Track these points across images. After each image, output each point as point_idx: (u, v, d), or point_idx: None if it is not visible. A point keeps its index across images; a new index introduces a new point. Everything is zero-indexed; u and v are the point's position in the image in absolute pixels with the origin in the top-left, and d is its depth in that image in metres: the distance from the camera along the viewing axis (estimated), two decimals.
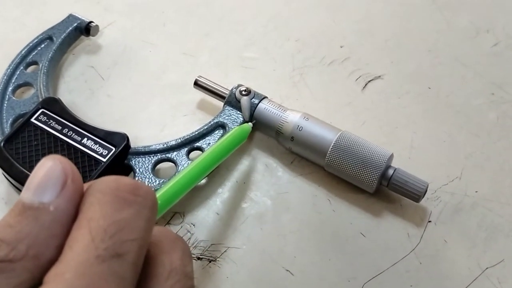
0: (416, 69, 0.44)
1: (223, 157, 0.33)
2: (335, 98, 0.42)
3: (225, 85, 0.40)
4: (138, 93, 0.42)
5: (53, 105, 0.37)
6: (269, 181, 0.37)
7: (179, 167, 0.36)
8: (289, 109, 0.38)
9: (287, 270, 0.33)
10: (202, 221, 0.35)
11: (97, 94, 0.42)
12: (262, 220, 0.35)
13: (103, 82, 0.43)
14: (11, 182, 0.36)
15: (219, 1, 0.48)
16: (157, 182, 0.35)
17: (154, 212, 0.20)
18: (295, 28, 0.46)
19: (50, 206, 0.18)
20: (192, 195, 0.36)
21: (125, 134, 0.36)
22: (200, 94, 0.41)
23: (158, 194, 0.27)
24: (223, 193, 0.37)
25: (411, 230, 0.35)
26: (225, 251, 0.34)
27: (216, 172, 0.37)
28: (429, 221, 0.35)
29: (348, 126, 0.38)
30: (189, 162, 0.36)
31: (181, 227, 0.35)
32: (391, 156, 0.36)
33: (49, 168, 0.19)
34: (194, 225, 0.35)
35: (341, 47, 0.45)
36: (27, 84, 0.41)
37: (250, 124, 0.37)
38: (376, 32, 0.46)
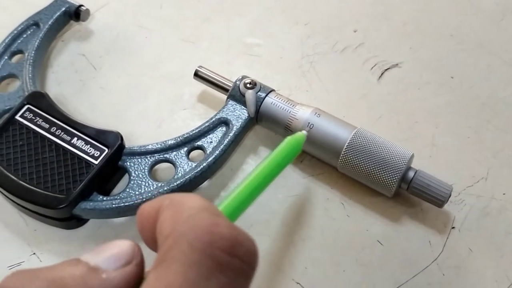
0: (437, 56, 0.41)
1: (274, 176, 0.29)
2: (348, 89, 0.40)
3: (228, 75, 0.38)
4: (133, 85, 0.40)
5: (39, 100, 0.35)
6: (277, 183, 0.34)
7: (179, 169, 0.34)
8: (298, 104, 0.35)
9: (298, 283, 0.32)
10: None
11: (89, 86, 0.39)
12: (269, 226, 0.33)
13: (95, 72, 0.40)
14: None
15: None
16: (155, 186, 0.33)
17: (250, 280, 0.17)
18: (304, 10, 0.44)
19: (102, 273, 0.17)
20: None
21: (119, 133, 0.34)
22: (201, 86, 0.39)
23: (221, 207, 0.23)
24: None
25: (433, 237, 0.33)
26: None
27: (218, 172, 0.35)
28: (453, 228, 0.33)
29: (362, 121, 0.36)
30: (190, 163, 0.33)
31: None
32: (412, 157, 0.33)
33: (122, 245, 0.18)
34: None
35: (355, 31, 0.43)
36: (11, 76, 0.38)
37: (304, 132, 0.31)
38: (393, 14, 0.44)
